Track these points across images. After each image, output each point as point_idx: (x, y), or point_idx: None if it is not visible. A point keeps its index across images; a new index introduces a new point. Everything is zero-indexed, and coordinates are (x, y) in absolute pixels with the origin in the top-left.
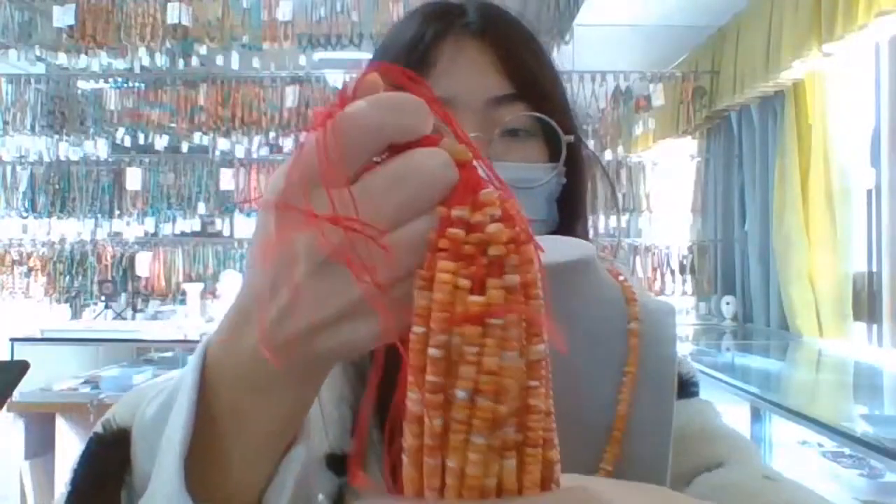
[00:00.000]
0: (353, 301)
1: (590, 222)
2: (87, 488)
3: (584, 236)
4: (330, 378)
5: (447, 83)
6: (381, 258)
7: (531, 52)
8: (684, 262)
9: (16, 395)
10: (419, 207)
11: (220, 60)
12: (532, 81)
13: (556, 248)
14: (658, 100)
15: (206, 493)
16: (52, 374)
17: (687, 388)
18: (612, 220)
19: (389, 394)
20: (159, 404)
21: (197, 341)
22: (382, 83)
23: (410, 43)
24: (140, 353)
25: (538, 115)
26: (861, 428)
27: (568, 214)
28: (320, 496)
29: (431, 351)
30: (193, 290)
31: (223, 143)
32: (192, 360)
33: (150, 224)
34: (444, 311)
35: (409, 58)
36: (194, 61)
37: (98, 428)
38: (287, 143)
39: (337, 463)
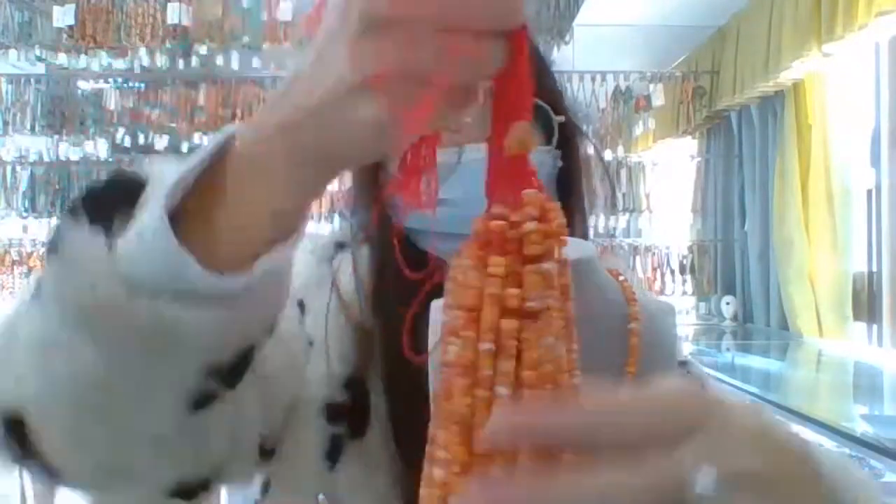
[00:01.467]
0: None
1: (590, 221)
2: (98, 200)
3: (582, 218)
4: (339, 338)
5: None
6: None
7: None
8: (684, 262)
9: None
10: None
11: (220, 60)
12: None
13: None
14: (658, 100)
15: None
16: None
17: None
18: (612, 219)
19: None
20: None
21: None
22: None
23: None
24: None
25: None
26: (861, 428)
27: (564, 197)
28: (321, 496)
29: (483, 345)
30: None
31: None
32: (221, 132)
33: None
34: (493, 304)
35: None
36: (194, 61)
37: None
38: None
39: (333, 413)
